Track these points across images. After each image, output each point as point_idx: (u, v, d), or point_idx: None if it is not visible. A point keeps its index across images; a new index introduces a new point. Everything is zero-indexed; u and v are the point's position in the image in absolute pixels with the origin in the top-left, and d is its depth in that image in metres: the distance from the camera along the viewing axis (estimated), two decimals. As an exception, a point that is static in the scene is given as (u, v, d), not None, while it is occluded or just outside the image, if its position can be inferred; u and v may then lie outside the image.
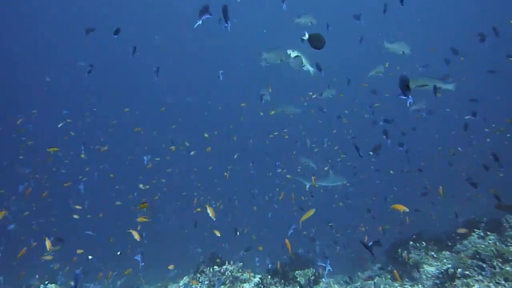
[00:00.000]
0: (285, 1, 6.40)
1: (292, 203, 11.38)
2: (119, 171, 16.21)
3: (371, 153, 7.11)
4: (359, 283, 7.61)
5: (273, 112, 9.53)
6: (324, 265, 6.19)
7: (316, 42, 3.98)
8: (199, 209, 8.67)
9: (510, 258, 6.21)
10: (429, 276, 6.64)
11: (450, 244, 7.28)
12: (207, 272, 7.89)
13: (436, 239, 7.52)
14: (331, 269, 6.07)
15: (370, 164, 14.77)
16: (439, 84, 4.92)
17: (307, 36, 4.01)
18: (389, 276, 7.06)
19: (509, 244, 6.72)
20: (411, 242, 7.46)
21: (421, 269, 6.84)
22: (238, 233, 7.47)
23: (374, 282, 6.96)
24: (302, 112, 10.00)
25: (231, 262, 8.10)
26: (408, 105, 3.62)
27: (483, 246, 6.72)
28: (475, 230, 7.27)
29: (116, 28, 6.44)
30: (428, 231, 8.07)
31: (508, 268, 5.94)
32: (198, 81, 29.70)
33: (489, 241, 6.91)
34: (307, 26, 7.00)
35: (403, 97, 3.51)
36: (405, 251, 7.24)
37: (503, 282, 5.53)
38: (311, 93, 10.75)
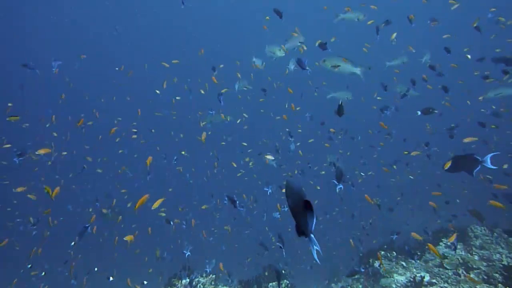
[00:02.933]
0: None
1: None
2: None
3: (419, 112, 6.91)
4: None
5: (204, 123, 9.57)
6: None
7: (340, 110, 4.49)
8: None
9: (474, 266, 6.42)
10: (399, 285, 6.72)
11: (419, 253, 7.43)
12: (179, 285, 7.66)
13: (406, 249, 7.66)
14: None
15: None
16: (349, 68, 5.15)
17: (340, 102, 4.45)
18: (360, 286, 7.09)
19: (474, 253, 6.95)
20: (382, 252, 7.57)
21: (392, 278, 6.92)
22: (171, 223, 7.44)
23: (347, 292, 6.98)
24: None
25: (204, 275, 7.91)
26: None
27: (449, 255, 6.92)
28: (443, 239, 7.49)
29: None
30: (398, 241, 8.21)
31: (472, 275, 6.13)
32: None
33: (456, 250, 7.12)
34: (353, 21, 7.01)
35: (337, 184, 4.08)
36: (376, 261, 7.32)
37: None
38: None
